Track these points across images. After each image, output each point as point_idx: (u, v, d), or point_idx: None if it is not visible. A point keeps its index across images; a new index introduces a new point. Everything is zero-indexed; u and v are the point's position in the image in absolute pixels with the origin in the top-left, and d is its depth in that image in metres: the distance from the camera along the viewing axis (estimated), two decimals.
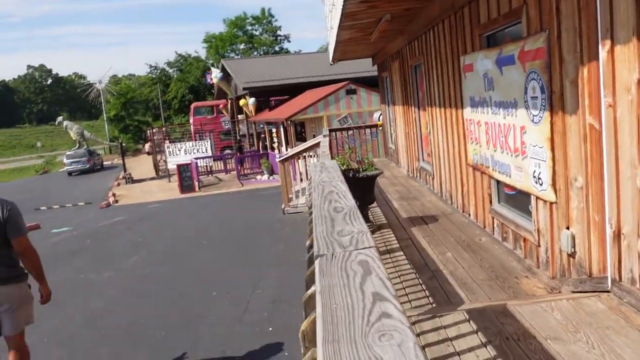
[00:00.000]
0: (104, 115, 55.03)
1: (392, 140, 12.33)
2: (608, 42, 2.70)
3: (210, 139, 27.10)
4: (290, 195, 11.27)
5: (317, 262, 1.08)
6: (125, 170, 27.38)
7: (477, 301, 3.61)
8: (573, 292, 3.49)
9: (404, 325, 0.71)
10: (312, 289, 1.10)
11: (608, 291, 3.06)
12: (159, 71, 59.80)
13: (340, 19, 6.90)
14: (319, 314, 0.83)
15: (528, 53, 3.90)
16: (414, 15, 7.29)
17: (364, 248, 1.11)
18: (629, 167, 2.68)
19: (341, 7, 6.23)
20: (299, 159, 11.62)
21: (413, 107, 9.10)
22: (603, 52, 2.75)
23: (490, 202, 5.28)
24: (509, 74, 4.32)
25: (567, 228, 3.59)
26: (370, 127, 15.45)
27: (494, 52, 4.61)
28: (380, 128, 14.55)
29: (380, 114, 15.08)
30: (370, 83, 19.75)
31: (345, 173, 5.13)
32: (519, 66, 4.09)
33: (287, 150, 18.20)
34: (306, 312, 1.11)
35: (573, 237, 3.52)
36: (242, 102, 25.40)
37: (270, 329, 5.99)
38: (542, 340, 2.57)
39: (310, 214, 1.92)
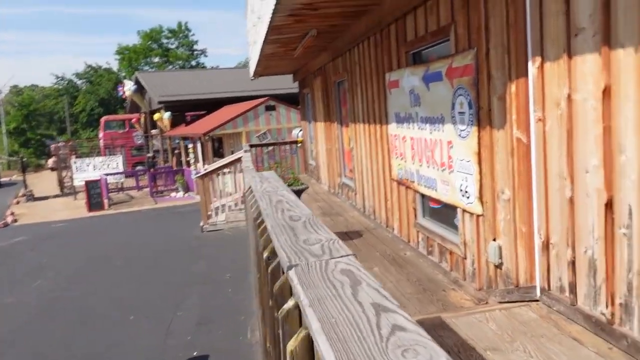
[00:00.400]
0: (3, 128, 51.26)
1: (313, 156, 12.36)
2: (538, 59, 2.81)
3: (121, 154, 25.93)
4: (209, 212, 10.93)
5: (291, 273, 0.96)
6: (26, 187, 25.50)
7: (410, 315, 3.60)
8: (500, 302, 3.57)
9: (426, 339, 0.63)
10: (290, 303, 0.99)
11: (537, 300, 3.16)
12: (66, 82, 56.70)
13: (267, 32, 6.82)
14: (316, 330, 0.72)
15: (456, 70, 4.01)
16: (340, 32, 7.36)
17: (342, 256, 1.02)
18: (558, 179, 2.78)
19: (268, 20, 6.15)
20: (218, 175, 11.34)
21: (335, 124, 9.16)
22: (533, 69, 2.86)
23: (415, 216, 5.37)
24: (436, 90, 4.42)
25: (494, 240, 3.69)
26: (289, 143, 15.44)
27: (421, 69, 4.72)
28: (300, 144, 14.57)
29: (300, 131, 15.12)
30: (289, 100, 19.81)
31: None
32: (447, 83, 4.19)
33: (203, 166, 17.76)
34: (284, 329, 0.99)
35: (500, 249, 3.62)
36: (156, 116, 24.56)
37: (195, 353, 5.69)
38: (482, 352, 2.58)
39: (260, 224, 1.80)
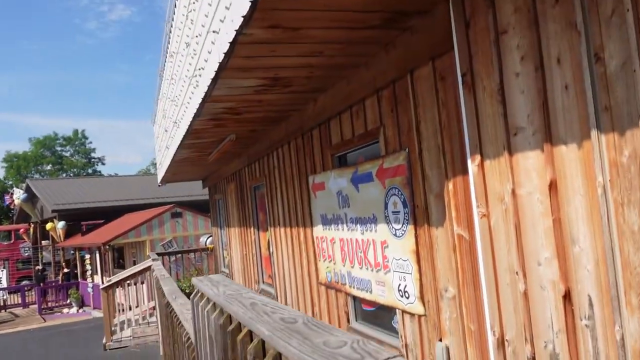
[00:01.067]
0: None
1: (226, 263, 11.93)
2: (478, 157, 2.92)
3: (5, 268, 23.58)
4: (113, 328, 9.97)
5: None
6: None
7: None
8: None
9: None
10: None
11: None
12: None
13: (184, 136, 6.73)
14: None
15: (387, 170, 4.10)
16: (258, 137, 7.43)
17: (393, 357, 0.87)
18: (508, 273, 2.80)
19: (188, 124, 6.08)
20: (123, 286, 10.52)
21: (252, 229, 8.98)
22: (473, 166, 2.97)
23: (348, 320, 5.19)
24: (367, 191, 4.47)
25: (440, 340, 3.60)
26: (199, 250, 14.88)
27: (349, 171, 4.79)
28: (210, 252, 14.08)
29: (209, 237, 14.69)
30: (196, 206, 19.40)
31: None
32: (378, 183, 4.26)
33: (102, 278, 16.49)
34: None
35: (447, 349, 3.52)
36: (49, 225, 22.92)
37: None
38: None
39: (236, 332, 1.57)
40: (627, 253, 2.11)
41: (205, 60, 4.37)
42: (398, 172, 3.95)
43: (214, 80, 4.23)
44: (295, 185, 6.42)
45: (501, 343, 2.91)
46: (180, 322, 3.48)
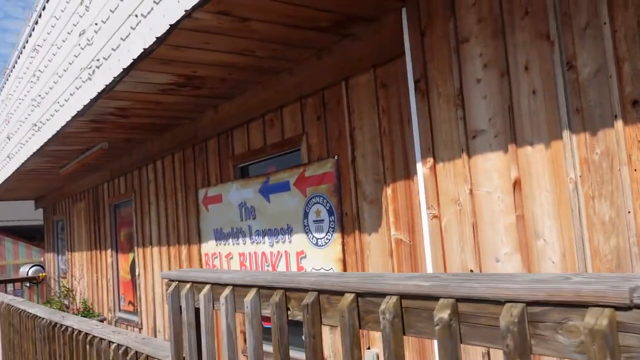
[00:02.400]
0: None
1: (63, 293, 10.59)
2: (430, 160, 3.01)
3: None
4: None
5: None
6: None
7: None
8: None
9: None
10: None
11: None
12: None
13: (48, 140, 5.92)
14: None
15: (309, 179, 4.03)
16: (132, 148, 6.84)
17: None
18: (461, 271, 2.89)
19: (61, 126, 5.37)
20: None
21: (109, 252, 8.15)
22: (425, 169, 3.05)
23: (245, 340, 4.90)
24: (280, 201, 4.34)
25: (369, 348, 3.57)
26: (26, 280, 13.01)
27: (257, 181, 4.62)
28: (41, 281, 12.42)
29: (33, 267, 12.98)
30: (17, 232, 17.08)
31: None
32: (296, 192, 4.16)
33: None
34: None
35: (377, 357, 3.50)
36: None
37: None
38: None
39: None
40: (597, 242, 2.32)
41: (114, 49, 3.92)
42: (324, 180, 3.91)
43: (126, 71, 3.82)
44: (179, 199, 6.00)
45: None
46: (102, 339, 2.97)
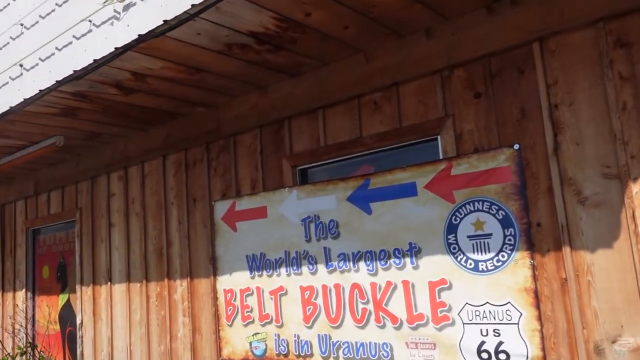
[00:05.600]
0: None
1: None
2: None
3: None
4: None
5: None
6: None
7: None
8: None
9: None
10: None
11: None
12: None
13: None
14: None
15: (460, 178, 2.90)
16: (89, 149, 5.09)
17: None
18: None
19: (25, 98, 3.64)
20: None
21: (21, 293, 6.03)
22: None
23: None
24: (395, 211, 3.12)
25: None
26: None
27: (344, 186, 3.35)
28: None
29: None
30: None
31: None
32: (430, 197, 2.99)
33: None
34: None
35: None
36: None
37: None
38: None
39: None
40: None
41: None
42: (492, 179, 2.80)
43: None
44: (172, 217, 4.42)
45: None
46: None
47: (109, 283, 4.89)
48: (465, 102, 2.95)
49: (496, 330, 2.73)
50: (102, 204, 5.07)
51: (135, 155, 4.75)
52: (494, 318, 2.75)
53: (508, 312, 2.71)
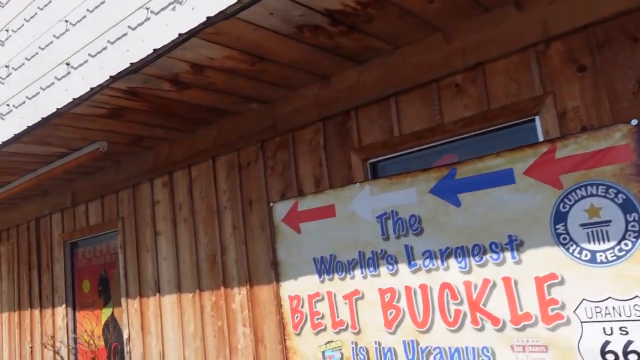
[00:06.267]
0: None
1: None
2: None
3: None
4: None
5: None
6: None
7: None
8: None
9: None
10: None
11: None
12: None
13: (37, 123, 3.83)
14: None
15: (566, 161, 2.61)
16: (131, 155, 4.86)
17: None
18: None
19: (74, 98, 3.40)
20: None
21: (60, 309, 5.79)
22: None
23: None
24: (489, 201, 2.84)
25: None
26: None
27: (426, 178, 3.07)
28: None
29: None
30: None
31: None
32: (531, 184, 2.71)
33: None
34: None
35: None
36: None
37: None
38: None
39: None
40: None
41: None
42: (606, 159, 2.52)
43: None
44: (226, 222, 4.16)
45: None
46: None
47: (157, 294, 4.63)
48: (567, 77, 2.68)
49: (623, 328, 2.44)
50: (146, 212, 4.83)
51: (180, 159, 4.50)
52: (620, 314, 2.45)
53: (637, 307, 2.41)
